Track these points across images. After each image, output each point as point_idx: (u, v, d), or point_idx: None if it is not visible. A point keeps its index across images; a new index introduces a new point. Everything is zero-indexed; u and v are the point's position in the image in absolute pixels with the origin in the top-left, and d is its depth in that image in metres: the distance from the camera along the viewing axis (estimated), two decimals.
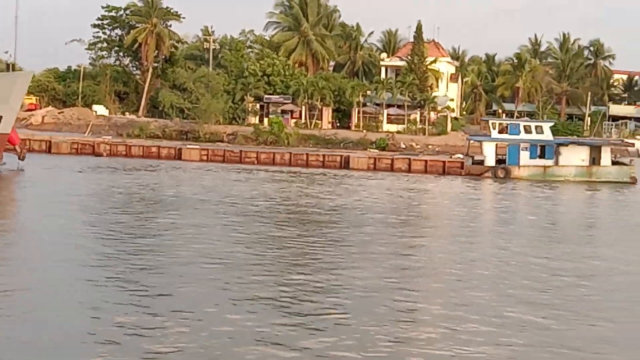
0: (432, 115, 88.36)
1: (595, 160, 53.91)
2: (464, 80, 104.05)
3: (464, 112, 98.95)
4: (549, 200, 42.44)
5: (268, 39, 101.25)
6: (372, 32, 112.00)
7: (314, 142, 78.66)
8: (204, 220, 28.80)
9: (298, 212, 32.77)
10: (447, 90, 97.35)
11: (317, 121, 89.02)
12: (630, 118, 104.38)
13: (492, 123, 57.33)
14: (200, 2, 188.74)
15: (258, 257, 21.81)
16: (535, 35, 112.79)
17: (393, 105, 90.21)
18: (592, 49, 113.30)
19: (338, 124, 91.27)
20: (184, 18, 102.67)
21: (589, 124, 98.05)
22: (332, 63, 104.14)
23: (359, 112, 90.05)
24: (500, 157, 54.68)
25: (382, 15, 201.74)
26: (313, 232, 27.04)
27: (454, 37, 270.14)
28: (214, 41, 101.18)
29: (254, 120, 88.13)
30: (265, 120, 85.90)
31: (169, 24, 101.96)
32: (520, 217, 35.33)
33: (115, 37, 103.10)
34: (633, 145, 66.93)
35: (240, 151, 61.38)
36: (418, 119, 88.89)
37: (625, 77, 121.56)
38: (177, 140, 76.27)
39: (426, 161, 57.65)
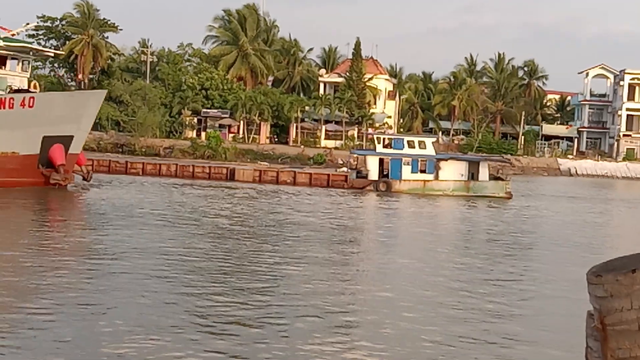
0: (370, 131, 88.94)
1: (473, 175, 54.87)
2: (402, 97, 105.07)
3: (401, 129, 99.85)
4: (429, 213, 43.35)
5: (206, 52, 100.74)
6: (311, 49, 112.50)
7: (252, 157, 78.36)
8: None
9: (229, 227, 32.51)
10: (385, 107, 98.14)
11: (255, 136, 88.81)
12: (562, 138, 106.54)
13: (377, 137, 58.13)
14: (138, 14, 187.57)
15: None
16: (471, 55, 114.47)
17: (331, 121, 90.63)
18: (526, 69, 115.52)
19: (276, 139, 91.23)
20: (121, 30, 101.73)
21: (522, 142, 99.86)
22: (270, 78, 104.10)
23: (297, 128, 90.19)
24: (386, 171, 55.39)
25: (321, 32, 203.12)
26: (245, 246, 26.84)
27: (392, 55, 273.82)
28: (151, 54, 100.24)
29: (191, 134, 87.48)
30: (203, 134, 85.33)
31: (106, 35, 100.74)
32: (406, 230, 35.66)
33: (51, 47, 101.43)
34: (509, 160, 67.65)
35: (126, 162, 60.15)
36: (356, 135, 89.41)
37: (557, 97, 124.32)
38: (111, 152, 75.21)
39: (311, 174, 57.85)
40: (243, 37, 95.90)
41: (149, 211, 35.55)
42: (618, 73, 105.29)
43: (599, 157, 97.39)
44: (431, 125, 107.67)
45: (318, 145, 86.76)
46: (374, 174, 55.13)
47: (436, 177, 54.60)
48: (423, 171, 54.71)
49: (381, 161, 55.23)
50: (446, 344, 15.29)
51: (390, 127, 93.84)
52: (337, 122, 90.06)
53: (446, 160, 55.81)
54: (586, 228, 39.08)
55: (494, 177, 57.00)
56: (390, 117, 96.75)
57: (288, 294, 19.16)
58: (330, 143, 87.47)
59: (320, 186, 55.15)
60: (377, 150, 55.99)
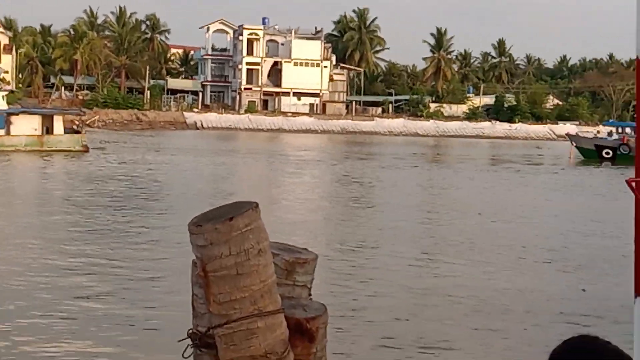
0: None
1: (48, 129, 53.94)
2: (19, 51, 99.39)
3: (21, 85, 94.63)
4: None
5: None
6: None
7: None
8: None
9: None
10: (1, 62, 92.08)
11: None
12: (187, 91, 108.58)
13: None
14: None
15: None
16: (91, 8, 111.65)
17: None
18: (148, 23, 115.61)
19: None
20: None
21: (148, 97, 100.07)
22: None
23: None
24: None
25: None
26: None
27: (5, 7, 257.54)
28: None
29: None
30: None
31: None
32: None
33: None
34: (85, 113, 66.86)
35: None
36: None
37: (181, 51, 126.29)
38: None
39: None
40: None
41: None
42: (237, 28, 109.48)
43: (223, 110, 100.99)
44: (53, 80, 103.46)
45: None
46: None
47: (7, 132, 52.28)
48: None
49: None
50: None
51: (9, 83, 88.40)
52: None
53: (17, 114, 53.62)
54: (180, 180, 39.07)
55: (72, 131, 55.64)
56: (7, 72, 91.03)
57: None
58: None
59: None
60: None
